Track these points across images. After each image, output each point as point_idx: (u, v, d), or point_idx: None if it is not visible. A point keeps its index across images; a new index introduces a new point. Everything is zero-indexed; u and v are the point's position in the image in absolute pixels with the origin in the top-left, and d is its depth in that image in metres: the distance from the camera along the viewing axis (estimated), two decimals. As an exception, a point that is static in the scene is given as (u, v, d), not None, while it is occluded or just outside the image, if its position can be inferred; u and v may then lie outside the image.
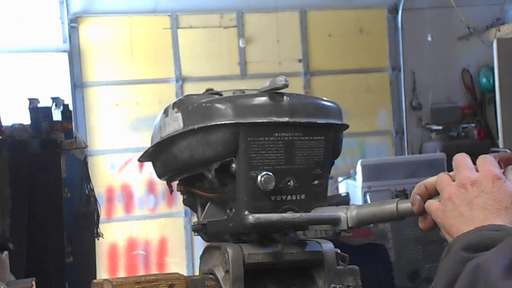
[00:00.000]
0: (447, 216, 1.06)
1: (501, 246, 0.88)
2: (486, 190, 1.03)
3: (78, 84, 7.01)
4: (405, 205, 1.21)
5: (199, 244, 7.03)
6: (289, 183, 1.39)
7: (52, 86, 6.71)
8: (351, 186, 6.89)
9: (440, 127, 7.88)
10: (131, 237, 7.20)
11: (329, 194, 1.52)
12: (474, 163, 1.08)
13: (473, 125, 7.94)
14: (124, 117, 7.17)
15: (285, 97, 1.40)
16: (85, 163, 5.26)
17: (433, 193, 1.12)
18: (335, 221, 1.36)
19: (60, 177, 4.55)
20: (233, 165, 1.37)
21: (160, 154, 1.53)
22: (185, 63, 7.30)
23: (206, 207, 1.53)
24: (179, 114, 1.43)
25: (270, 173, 1.35)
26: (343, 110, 1.51)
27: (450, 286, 0.92)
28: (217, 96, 1.44)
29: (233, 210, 1.39)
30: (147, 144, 1.58)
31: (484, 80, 7.90)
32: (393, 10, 7.85)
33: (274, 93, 1.40)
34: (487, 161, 1.06)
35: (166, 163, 1.51)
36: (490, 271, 0.82)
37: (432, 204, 1.10)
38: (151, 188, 7.16)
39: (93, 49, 7.09)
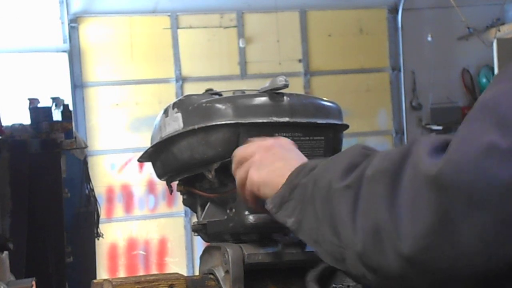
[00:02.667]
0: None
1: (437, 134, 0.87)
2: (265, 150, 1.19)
3: (78, 84, 7.01)
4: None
5: (199, 244, 7.03)
6: (289, 183, 1.39)
7: (52, 86, 6.71)
8: (351, 186, 6.87)
9: (440, 127, 7.89)
10: (131, 237, 7.20)
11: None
12: None
13: (473, 125, 7.93)
14: (124, 117, 7.17)
15: (285, 97, 1.40)
16: (85, 163, 5.26)
17: None
18: (335, 221, 1.36)
19: (60, 177, 4.55)
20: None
21: (160, 154, 1.53)
22: (185, 63, 7.30)
23: (206, 207, 1.53)
24: (179, 114, 1.43)
25: (270, 173, 1.35)
26: (343, 110, 1.51)
27: (351, 168, 0.91)
28: (217, 96, 1.45)
29: (234, 210, 1.40)
30: (147, 144, 1.58)
31: (484, 80, 7.91)
32: (393, 10, 7.85)
33: (274, 93, 1.40)
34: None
35: (166, 163, 1.51)
36: (422, 148, 0.80)
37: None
38: (151, 188, 7.17)
39: (93, 49, 7.09)
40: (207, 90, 1.51)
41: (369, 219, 0.84)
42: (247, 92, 1.47)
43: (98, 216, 5.30)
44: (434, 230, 0.75)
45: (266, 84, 1.41)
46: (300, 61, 7.62)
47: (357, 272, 0.90)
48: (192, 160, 1.41)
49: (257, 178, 1.17)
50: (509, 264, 0.71)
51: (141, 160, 1.62)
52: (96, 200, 5.29)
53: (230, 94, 1.47)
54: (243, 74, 7.43)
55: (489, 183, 0.70)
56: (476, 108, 0.76)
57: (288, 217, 1.06)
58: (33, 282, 2.98)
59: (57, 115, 4.85)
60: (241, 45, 7.38)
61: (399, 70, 7.90)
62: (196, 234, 1.58)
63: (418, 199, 0.76)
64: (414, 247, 0.77)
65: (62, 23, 6.96)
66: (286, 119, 1.38)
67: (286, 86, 1.38)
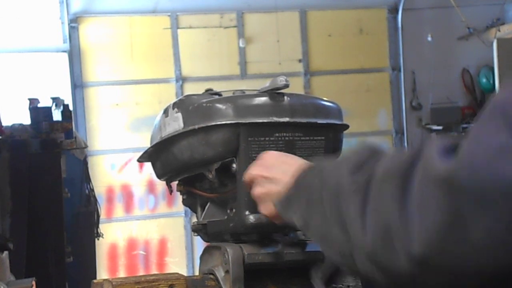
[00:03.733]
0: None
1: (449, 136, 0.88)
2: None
3: (78, 84, 7.01)
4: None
5: (199, 244, 7.02)
6: (289, 183, 1.39)
7: (52, 86, 6.71)
8: (351, 186, 6.87)
9: (440, 127, 7.88)
10: (131, 237, 7.20)
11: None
12: None
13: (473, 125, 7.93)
14: (124, 117, 7.17)
15: (285, 97, 1.40)
16: (85, 163, 5.26)
17: None
18: (335, 221, 1.35)
19: (60, 177, 4.55)
20: (234, 165, 1.37)
21: (160, 154, 1.53)
22: (185, 63, 7.30)
23: (206, 207, 1.53)
24: (179, 114, 1.43)
25: (270, 173, 1.35)
26: (343, 110, 1.51)
27: (361, 166, 0.92)
28: (217, 96, 1.44)
29: (234, 210, 1.40)
30: (147, 144, 1.58)
31: (484, 80, 7.90)
32: (393, 10, 7.85)
33: (274, 93, 1.40)
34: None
35: (166, 163, 1.51)
36: (434, 149, 0.80)
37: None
38: (151, 188, 7.16)
39: (93, 49, 7.08)
40: (207, 90, 1.51)
41: (379, 219, 0.85)
42: (247, 92, 1.47)
43: (98, 216, 5.30)
44: (445, 230, 0.75)
45: (266, 84, 1.41)
46: (300, 61, 7.62)
47: (366, 269, 0.91)
48: (192, 160, 1.41)
49: (265, 212, 1.24)
50: None
51: (141, 160, 1.62)
52: (96, 200, 5.29)
53: (230, 94, 1.47)
54: (243, 74, 7.42)
55: (501, 183, 0.71)
56: (487, 109, 0.77)
57: (295, 216, 1.09)
58: (33, 282, 2.98)
59: (57, 115, 4.84)
60: (241, 45, 7.38)
61: (399, 70, 7.89)
62: (196, 234, 1.58)
63: (429, 200, 0.77)
64: (424, 246, 0.77)
65: (62, 23, 6.96)
66: (286, 119, 1.38)
67: (286, 86, 1.38)
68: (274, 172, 1.19)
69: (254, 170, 1.25)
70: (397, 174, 0.83)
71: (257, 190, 1.24)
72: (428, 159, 0.80)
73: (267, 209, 1.23)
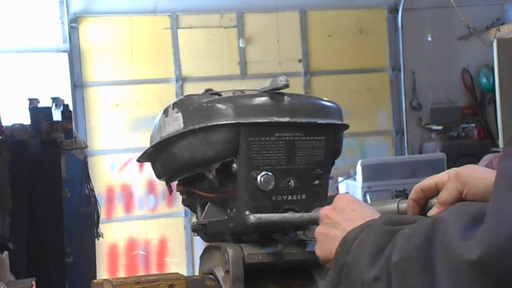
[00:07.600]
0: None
1: (456, 208, 0.83)
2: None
3: (78, 84, 7.01)
4: (406, 205, 1.21)
5: (199, 244, 7.02)
6: (289, 183, 1.39)
7: (52, 86, 6.71)
8: (351, 186, 6.89)
9: (440, 127, 7.88)
10: (131, 237, 7.19)
11: (329, 194, 1.52)
12: (473, 163, 1.07)
13: (473, 125, 7.94)
14: (124, 117, 7.17)
15: (285, 97, 1.40)
16: (85, 163, 5.26)
17: (431, 195, 1.11)
18: (335, 221, 1.35)
19: (60, 177, 4.55)
20: (234, 165, 1.37)
21: (159, 154, 1.53)
22: (185, 63, 7.30)
23: (206, 207, 1.53)
24: (180, 114, 1.43)
25: (269, 173, 1.35)
26: (343, 110, 1.51)
27: (377, 253, 0.90)
28: (217, 96, 1.44)
29: (234, 210, 1.40)
30: (147, 144, 1.57)
31: (484, 80, 7.90)
32: (393, 10, 7.85)
33: (274, 93, 1.40)
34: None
35: (166, 163, 1.51)
36: (448, 230, 0.76)
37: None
38: (151, 188, 7.16)
39: (93, 49, 7.08)
40: (207, 90, 1.51)
41: None
42: (246, 92, 1.47)
43: (98, 216, 5.30)
44: None
45: (266, 84, 1.41)
46: (300, 61, 7.62)
47: None
48: (193, 160, 1.41)
49: (319, 254, 1.15)
50: None
51: (141, 160, 1.62)
52: (96, 200, 5.29)
53: (230, 94, 1.47)
54: (243, 74, 7.42)
55: None
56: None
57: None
58: (33, 282, 2.98)
59: (57, 115, 4.84)
60: (241, 45, 7.38)
61: (399, 70, 7.89)
62: (196, 234, 1.58)
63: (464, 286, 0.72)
64: None
65: (62, 23, 6.96)
66: (286, 119, 1.38)
67: (286, 86, 1.38)
68: (340, 217, 1.11)
69: (325, 210, 1.17)
70: (416, 260, 0.79)
71: (319, 229, 1.16)
72: (446, 240, 0.74)
73: (322, 250, 1.14)
